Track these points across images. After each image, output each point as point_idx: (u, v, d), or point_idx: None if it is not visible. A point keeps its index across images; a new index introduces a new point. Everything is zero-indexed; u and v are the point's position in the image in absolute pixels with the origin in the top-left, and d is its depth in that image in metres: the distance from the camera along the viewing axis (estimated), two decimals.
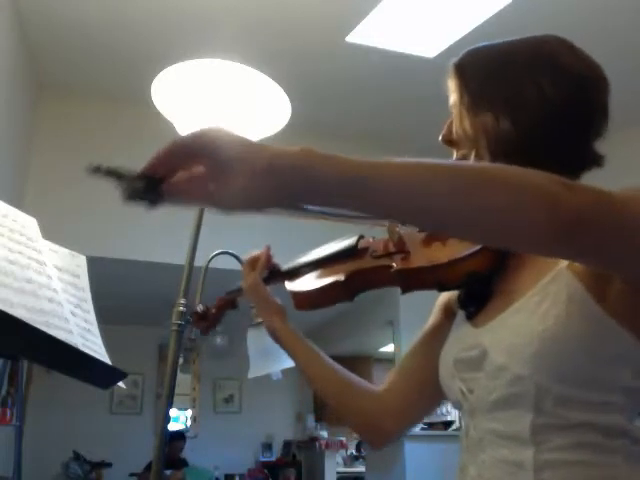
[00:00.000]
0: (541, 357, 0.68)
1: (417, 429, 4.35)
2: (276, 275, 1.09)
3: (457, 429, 4.66)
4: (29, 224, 0.99)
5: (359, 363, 7.64)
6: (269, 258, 1.10)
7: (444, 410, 4.76)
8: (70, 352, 0.87)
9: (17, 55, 3.44)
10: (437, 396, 0.92)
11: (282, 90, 1.48)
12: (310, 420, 7.55)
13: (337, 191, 0.54)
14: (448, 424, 4.73)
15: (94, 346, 0.95)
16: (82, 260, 1.10)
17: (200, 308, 1.20)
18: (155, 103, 1.53)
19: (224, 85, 1.47)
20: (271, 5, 3.25)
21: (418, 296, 0.92)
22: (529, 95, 0.79)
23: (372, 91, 4.05)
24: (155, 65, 1.56)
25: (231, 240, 2.35)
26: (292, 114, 1.54)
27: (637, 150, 3.92)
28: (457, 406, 0.82)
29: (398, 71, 3.77)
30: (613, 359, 0.68)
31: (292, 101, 1.51)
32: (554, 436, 0.68)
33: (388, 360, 6.71)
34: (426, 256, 0.86)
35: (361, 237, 0.99)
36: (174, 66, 1.45)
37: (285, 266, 1.09)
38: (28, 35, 3.52)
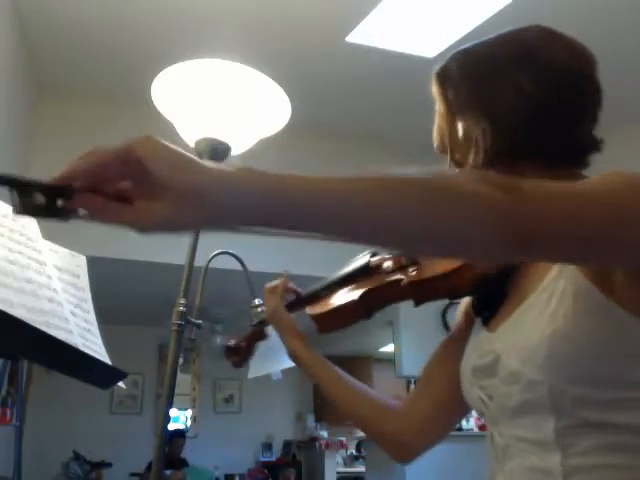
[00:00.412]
0: (551, 359, 0.66)
1: None
2: (296, 301, 1.11)
3: (457, 429, 4.65)
4: (29, 224, 0.99)
5: (359, 363, 7.66)
6: (288, 284, 1.11)
7: None
8: (70, 352, 0.87)
9: (17, 55, 3.44)
10: (459, 406, 0.90)
11: (282, 90, 1.48)
12: (310, 420, 7.56)
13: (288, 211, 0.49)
14: None
15: (94, 346, 0.96)
16: (82, 260, 1.10)
17: (232, 342, 1.21)
18: (155, 103, 1.53)
19: (224, 85, 1.47)
20: (271, 5, 3.25)
21: None
22: (508, 96, 0.78)
23: (372, 91, 4.05)
24: (155, 65, 1.56)
25: (231, 240, 2.34)
26: (292, 114, 1.53)
27: (635, 148, 3.92)
28: (480, 414, 0.81)
29: (398, 71, 3.76)
30: (629, 353, 0.65)
31: (292, 101, 1.51)
32: (580, 439, 0.66)
33: (388, 360, 6.70)
34: (436, 265, 0.87)
35: (374, 254, 1.00)
36: (174, 66, 1.45)
37: (304, 292, 1.11)
38: (28, 35, 3.52)
